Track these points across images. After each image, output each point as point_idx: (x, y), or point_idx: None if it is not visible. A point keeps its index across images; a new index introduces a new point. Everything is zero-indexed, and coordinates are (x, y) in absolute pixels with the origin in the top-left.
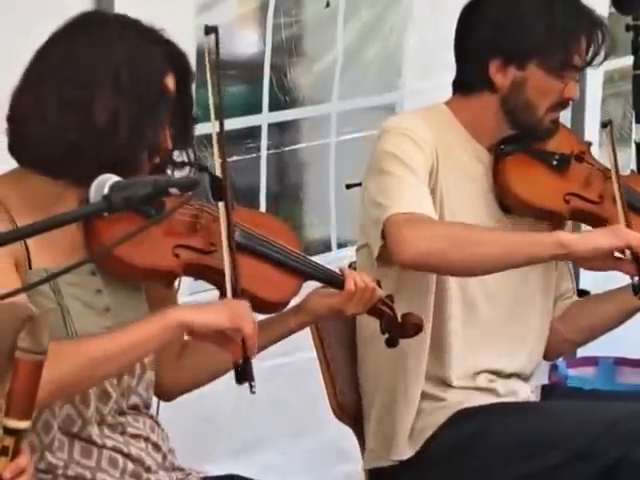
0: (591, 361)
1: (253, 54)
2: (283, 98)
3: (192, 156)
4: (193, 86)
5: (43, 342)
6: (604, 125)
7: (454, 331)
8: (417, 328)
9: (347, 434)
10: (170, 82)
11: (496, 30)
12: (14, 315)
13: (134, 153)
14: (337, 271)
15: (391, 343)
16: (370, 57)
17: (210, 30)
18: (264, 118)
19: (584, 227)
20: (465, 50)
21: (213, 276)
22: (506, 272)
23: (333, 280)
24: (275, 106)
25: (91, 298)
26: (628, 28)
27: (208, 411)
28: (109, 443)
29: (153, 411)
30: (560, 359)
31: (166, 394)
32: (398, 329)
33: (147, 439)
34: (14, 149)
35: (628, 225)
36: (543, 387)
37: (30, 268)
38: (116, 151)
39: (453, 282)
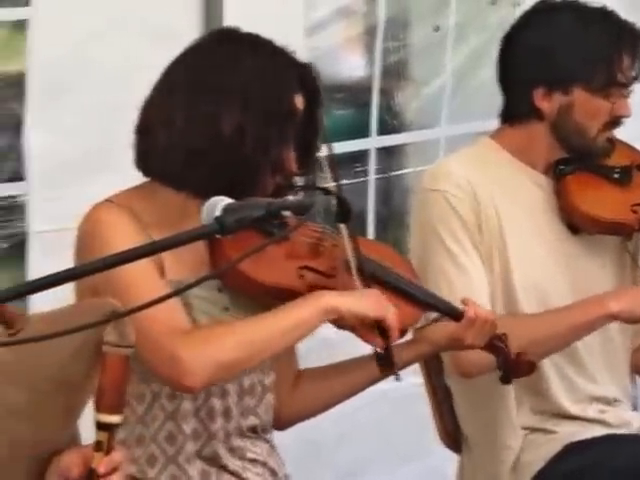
0: None
1: (360, 77)
2: (391, 122)
3: (313, 181)
4: None
5: (129, 336)
6: None
7: (547, 362)
8: (531, 367)
9: (454, 460)
10: (299, 102)
11: (535, 59)
12: (99, 310)
13: (257, 168)
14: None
15: (505, 380)
16: (479, 82)
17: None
18: (372, 142)
19: None
20: (508, 81)
21: None
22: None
23: (452, 311)
24: (383, 130)
25: (218, 315)
26: None
27: (313, 436)
28: (230, 465)
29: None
30: None
31: (280, 423)
32: (512, 367)
33: (264, 464)
34: (140, 161)
35: None
36: None
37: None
38: (240, 164)
39: None
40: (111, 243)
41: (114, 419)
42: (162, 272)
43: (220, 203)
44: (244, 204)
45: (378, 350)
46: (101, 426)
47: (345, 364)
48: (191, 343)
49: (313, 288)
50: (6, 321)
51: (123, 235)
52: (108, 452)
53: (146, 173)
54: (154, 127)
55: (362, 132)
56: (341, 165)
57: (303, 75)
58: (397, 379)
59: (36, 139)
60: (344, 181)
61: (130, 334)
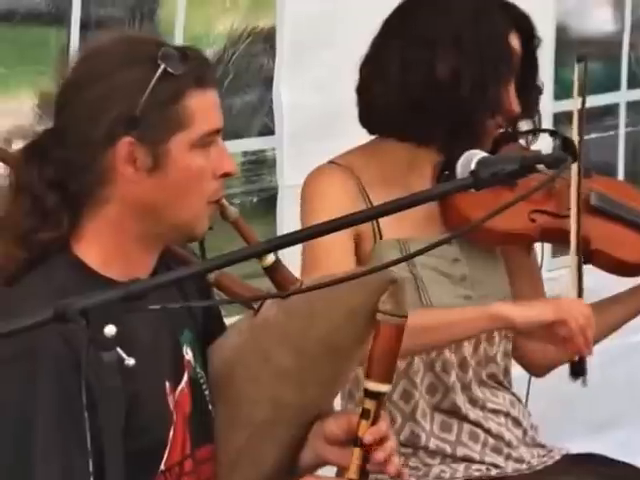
0: None
1: (610, 32)
2: None
3: (537, 124)
4: (550, 60)
5: (404, 306)
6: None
7: None
8: None
9: None
10: (514, 41)
11: None
12: (378, 278)
13: (476, 110)
14: None
15: None
16: None
17: (581, 59)
18: (623, 96)
19: None
20: None
21: (568, 240)
22: None
23: None
24: (632, 84)
25: (447, 267)
26: None
27: (564, 389)
28: (471, 415)
29: (520, 389)
30: None
31: (535, 370)
32: None
33: (507, 414)
34: (363, 120)
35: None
36: None
37: (381, 238)
38: (459, 107)
39: None
40: (320, 211)
41: (383, 388)
42: (377, 233)
43: (475, 157)
44: (498, 158)
45: (572, 358)
46: (370, 394)
47: (606, 301)
48: None
49: (545, 231)
50: (279, 283)
51: (333, 204)
52: (375, 421)
53: (370, 130)
54: (371, 83)
55: (612, 86)
56: (591, 119)
57: (516, 15)
58: (584, 384)
59: (286, 94)
60: (594, 134)
61: (405, 304)
